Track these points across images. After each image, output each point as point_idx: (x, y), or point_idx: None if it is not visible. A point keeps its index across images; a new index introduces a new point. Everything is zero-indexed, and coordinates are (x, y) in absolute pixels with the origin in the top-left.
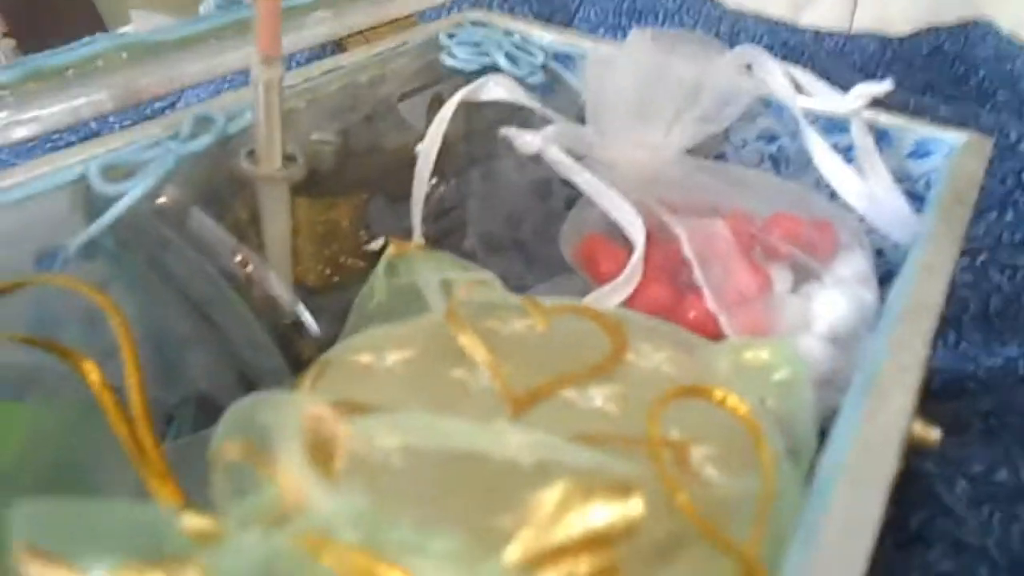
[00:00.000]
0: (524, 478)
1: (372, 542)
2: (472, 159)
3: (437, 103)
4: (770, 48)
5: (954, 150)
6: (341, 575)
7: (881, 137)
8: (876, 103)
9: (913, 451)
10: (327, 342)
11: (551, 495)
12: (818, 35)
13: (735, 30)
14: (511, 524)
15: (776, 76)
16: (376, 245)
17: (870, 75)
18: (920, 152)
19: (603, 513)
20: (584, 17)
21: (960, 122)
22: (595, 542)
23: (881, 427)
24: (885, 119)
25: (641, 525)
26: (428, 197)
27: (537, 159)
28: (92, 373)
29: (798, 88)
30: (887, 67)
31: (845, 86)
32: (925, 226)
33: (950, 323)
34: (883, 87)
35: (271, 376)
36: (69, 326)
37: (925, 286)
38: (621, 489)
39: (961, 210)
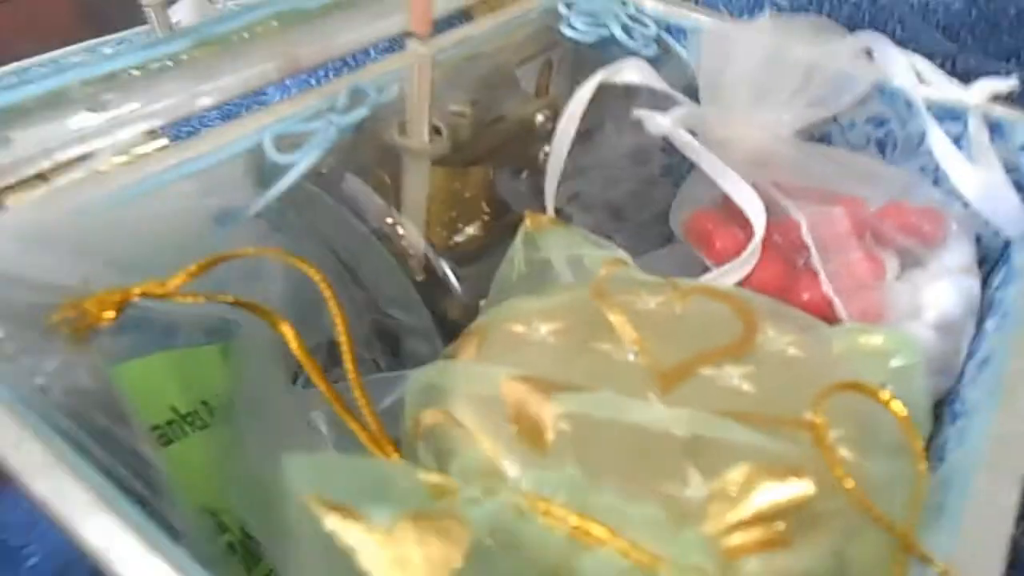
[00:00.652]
0: (692, 451)
1: (582, 506)
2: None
3: (548, 68)
4: (858, 6)
5: None
6: (557, 532)
7: (993, 128)
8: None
9: None
10: (465, 300)
11: (737, 474)
12: None
13: None
14: (693, 494)
15: (898, 64)
16: (496, 215)
17: (953, 36)
18: None
19: (780, 492)
20: None
21: None
22: (771, 515)
23: (1014, 423)
24: (1000, 111)
25: (809, 501)
26: (542, 164)
27: (638, 126)
28: (291, 338)
29: (919, 77)
30: (971, 28)
31: (932, 52)
32: None
33: None
34: (1008, 84)
35: (416, 330)
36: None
37: None
38: (795, 471)
39: None
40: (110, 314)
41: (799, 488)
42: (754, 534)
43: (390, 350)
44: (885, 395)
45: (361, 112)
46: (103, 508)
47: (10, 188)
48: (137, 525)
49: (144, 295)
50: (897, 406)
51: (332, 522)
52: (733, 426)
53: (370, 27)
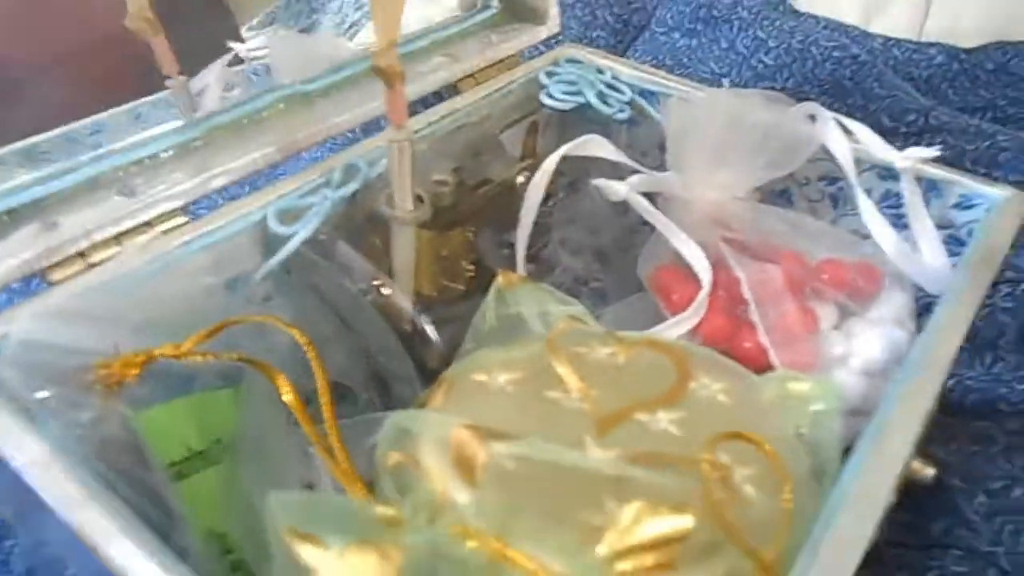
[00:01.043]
0: (607, 488)
1: (503, 532)
2: (561, 180)
3: (534, 128)
4: (839, 63)
5: (994, 204)
6: (482, 556)
7: (930, 187)
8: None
9: (909, 486)
10: (443, 351)
11: (630, 510)
12: (886, 43)
13: (807, 44)
14: (600, 524)
15: (833, 133)
16: (476, 273)
17: (934, 89)
18: (964, 204)
19: (665, 524)
20: (661, 20)
21: (1018, 152)
22: (658, 544)
23: (881, 469)
24: (935, 172)
25: (690, 533)
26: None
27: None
28: (285, 389)
29: (854, 139)
30: (951, 81)
31: (907, 108)
32: (954, 286)
33: (987, 346)
34: (931, 152)
35: (400, 376)
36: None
37: (938, 348)
38: (678, 507)
39: (986, 272)
40: (135, 372)
41: (680, 522)
42: (646, 560)
43: (382, 391)
44: (759, 440)
45: (353, 186)
46: (125, 534)
47: (54, 266)
48: (152, 549)
49: (163, 356)
50: (769, 449)
51: (299, 548)
52: (641, 468)
53: (363, 107)
